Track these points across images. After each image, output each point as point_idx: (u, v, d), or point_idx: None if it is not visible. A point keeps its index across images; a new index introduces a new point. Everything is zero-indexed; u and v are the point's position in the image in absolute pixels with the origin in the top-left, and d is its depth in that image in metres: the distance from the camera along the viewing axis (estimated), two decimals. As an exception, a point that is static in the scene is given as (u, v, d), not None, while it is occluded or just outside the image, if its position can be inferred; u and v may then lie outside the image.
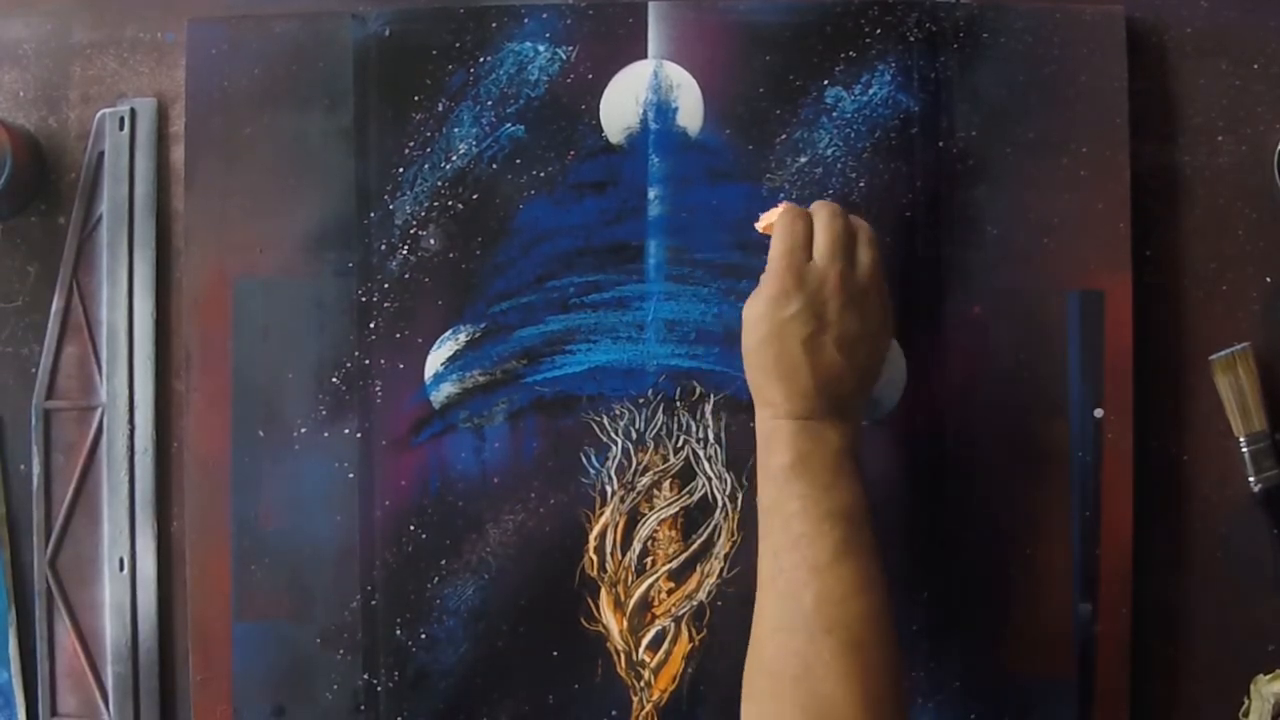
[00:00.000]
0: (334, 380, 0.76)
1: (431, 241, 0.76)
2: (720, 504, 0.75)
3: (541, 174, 0.76)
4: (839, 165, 0.75)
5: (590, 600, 0.75)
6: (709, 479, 0.75)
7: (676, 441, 0.75)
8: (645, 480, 0.75)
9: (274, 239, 0.76)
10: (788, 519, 0.63)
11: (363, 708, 0.75)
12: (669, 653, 0.75)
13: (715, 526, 0.75)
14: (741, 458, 0.75)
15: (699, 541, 0.75)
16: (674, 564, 0.75)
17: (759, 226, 0.70)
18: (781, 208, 0.68)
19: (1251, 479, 0.74)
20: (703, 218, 0.75)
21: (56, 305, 0.78)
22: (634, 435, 0.75)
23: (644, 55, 0.76)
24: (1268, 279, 0.76)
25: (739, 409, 0.75)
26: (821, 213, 0.67)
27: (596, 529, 0.75)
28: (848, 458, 0.64)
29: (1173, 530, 0.75)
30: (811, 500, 0.62)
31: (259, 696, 0.75)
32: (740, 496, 0.75)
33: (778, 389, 0.64)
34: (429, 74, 0.76)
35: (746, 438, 0.75)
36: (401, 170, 0.76)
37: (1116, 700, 0.73)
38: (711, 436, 0.75)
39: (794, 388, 0.64)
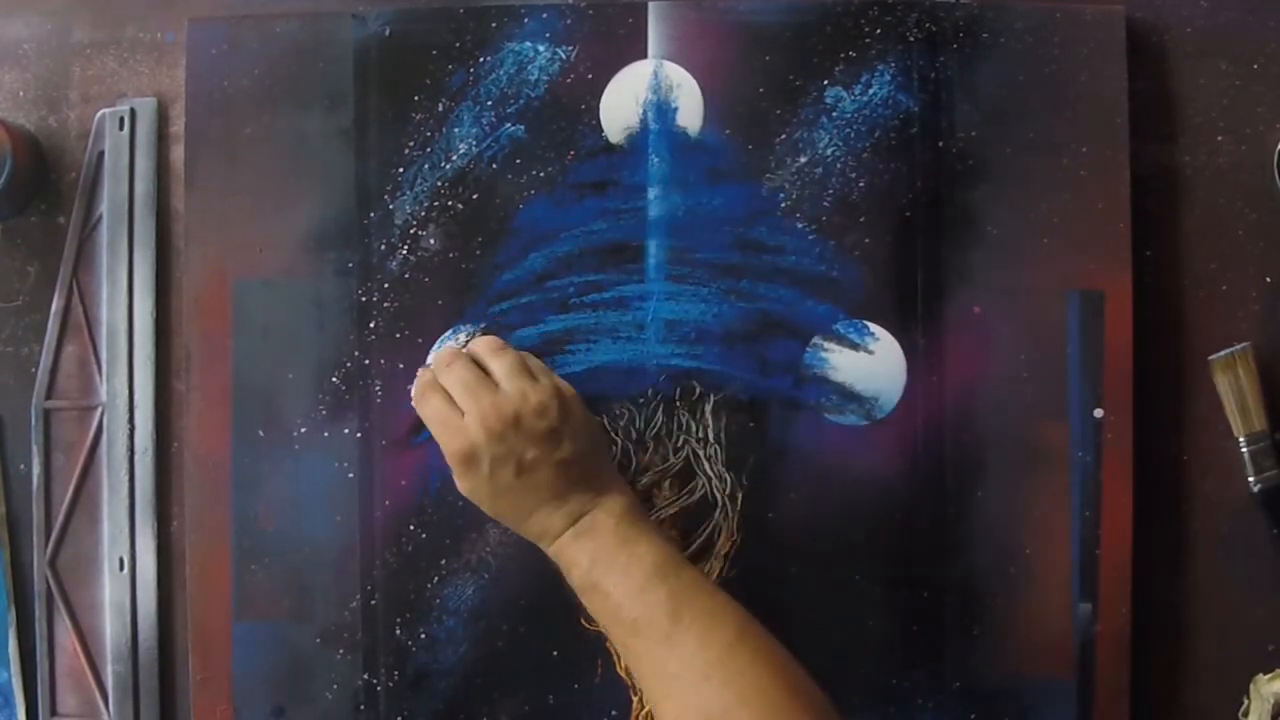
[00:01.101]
0: (334, 380, 0.76)
1: (431, 241, 0.76)
2: (720, 504, 0.75)
3: (541, 174, 0.76)
4: (839, 165, 0.75)
5: (590, 600, 0.75)
6: (709, 479, 0.75)
7: (676, 441, 0.75)
8: (645, 480, 0.75)
9: (274, 239, 0.76)
10: (614, 613, 0.63)
11: (363, 708, 0.75)
12: (669, 653, 0.75)
13: (715, 526, 0.75)
14: (741, 458, 0.75)
15: (699, 541, 0.75)
16: (674, 564, 0.75)
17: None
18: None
19: (1251, 479, 0.74)
20: (703, 218, 0.75)
21: (56, 305, 0.78)
22: (634, 435, 0.75)
23: (644, 55, 0.76)
24: (1268, 279, 0.76)
25: (739, 409, 0.75)
26: (437, 367, 0.69)
27: (596, 529, 0.75)
28: (627, 524, 0.65)
29: (1173, 530, 0.75)
30: (623, 585, 0.63)
31: (259, 696, 0.75)
32: (740, 496, 0.75)
33: (535, 523, 0.66)
34: (429, 74, 0.76)
35: (746, 438, 0.75)
36: (401, 170, 0.76)
37: (1116, 700, 0.73)
38: (711, 436, 0.75)
39: (543, 510, 0.66)
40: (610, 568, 0.64)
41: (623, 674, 0.75)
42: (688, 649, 0.60)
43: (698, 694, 0.59)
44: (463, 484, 0.67)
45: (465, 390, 0.67)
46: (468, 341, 0.75)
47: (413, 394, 0.70)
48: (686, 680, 0.60)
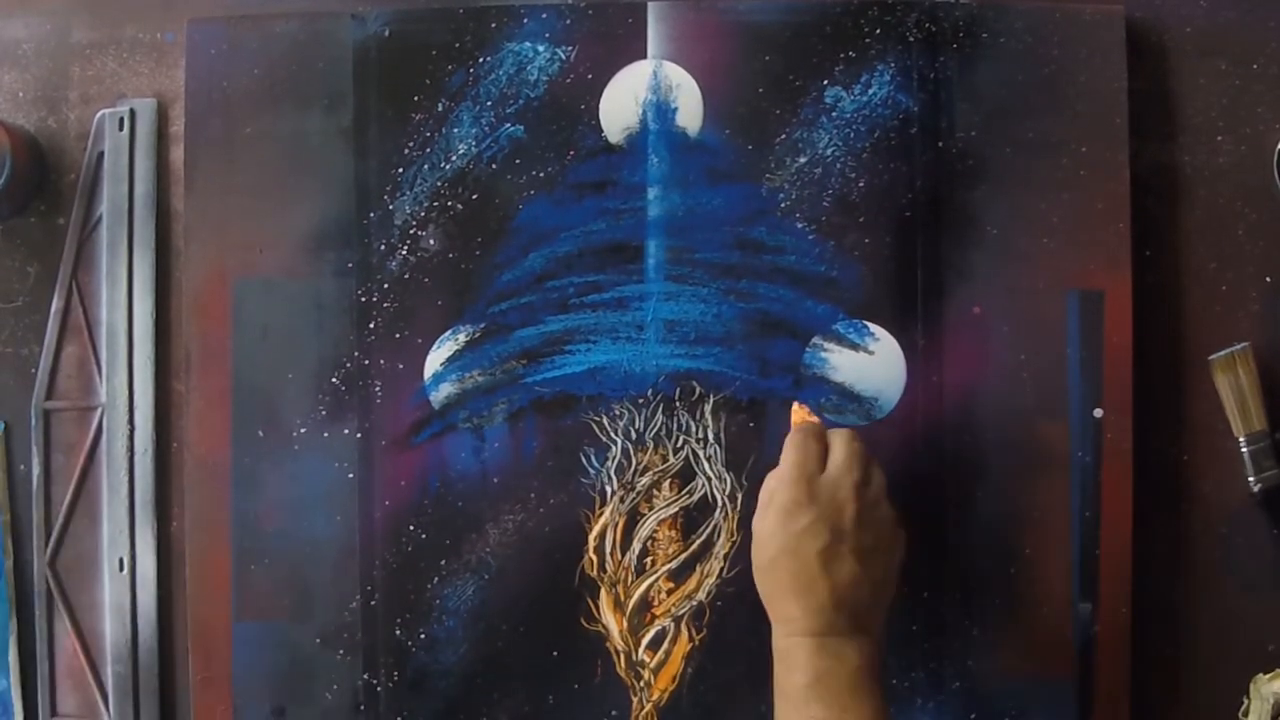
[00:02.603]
0: (334, 380, 0.76)
1: (431, 241, 0.76)
2: (720, 504, 0.75)
3: (541, 174, 0.76)
4: (839, 165, 0.75)
5: (590, 600, 0.75)
6: (709, 479, 0.75)
7: (676, 441, 0.75)
8: (645, 480, 0.75)
9: (274, 239, 0.76)
10: None
11: (363, 708, 0.75)
12: (669, 653, 0.75)
13: (715, 526, 0.75)
14: (741, 458, 0.75)
15: (699, 541, 0.75)
16: (674, 564, 0.75)
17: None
18: (796, 418, 0.69)
19: (1251, 479, 0.74)
20: (702, 218, 0.75)
21: (56, 305, 0.78)
22: (634, 435, 0.75)
23: (644, 55, 0.76)
24: (1268, 279, 0.76)
25: (739, 409, 0.75)
26: (839, 433, 0.67)
27: (596, 529, 0.75)
28: (868, 676, 0.63)
29: (1173, 530, 0.75)
30: None
31: (259, 696, 0.75)
32: (740, 496, 0.75)
33: (794, 605, 0.63)
34: (429, 74, 0.76)
35: (746, 438, 0.75)
36: (401, 170, 0.76)
37: (1116, 700, 0.73)
38: (711, 436, 0.75)
39: (811, 603, 0.63)
40: (830, 699, 0.62)
41: (623, 674, 0.75)
42: None
43: None
44: (768, 520, 0.64)
45: (846, 460, 0.65)
46: (468, 341, 0.75)
47: (797, 422, 0.69)
48: None
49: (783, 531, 0.64)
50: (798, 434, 0.67)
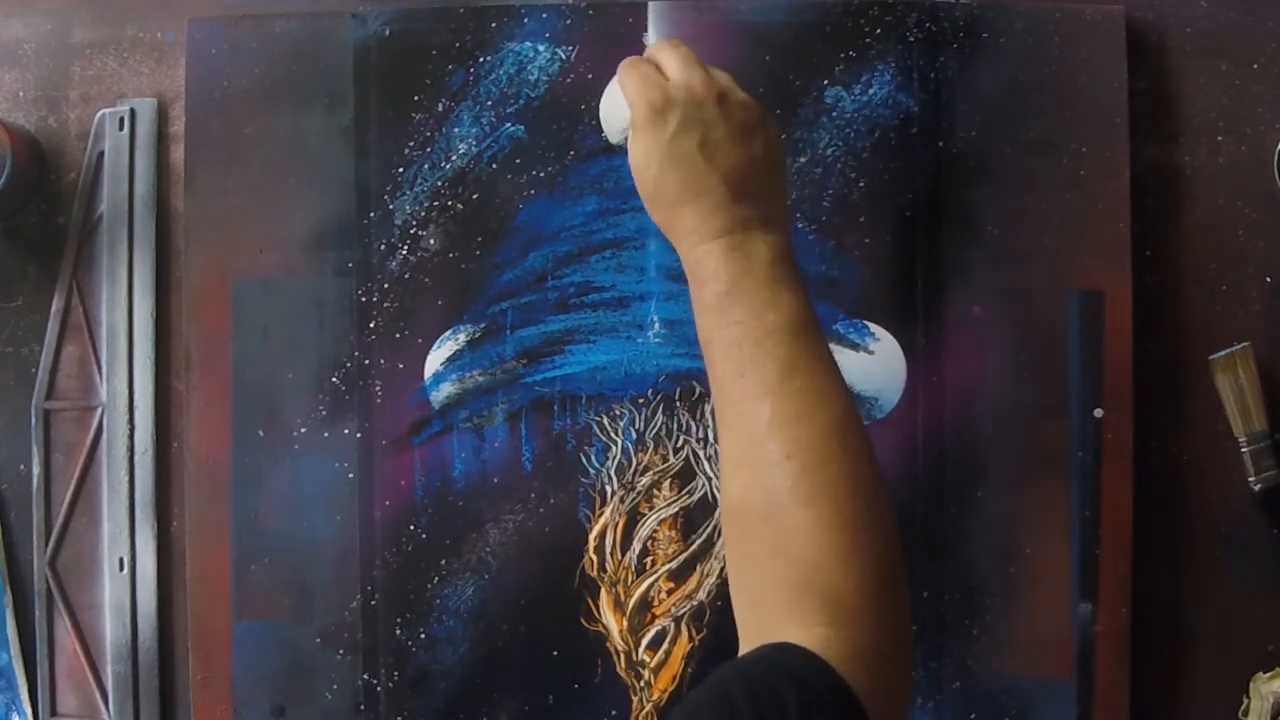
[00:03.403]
0: (334, 380, 0.76)
1: (431, 241, 0.76)
2: (720, 504, 0.75)
3: (541, 174, 0.76)
4: (839, 165, 0.75)
5: (590, 600, 0.75)
6: (709, 479, 0.75)
7: (676, 441, 0.75)
8: (645, 480, 0.75)
9: (274, 239, 0.76)
10: (728, 347, 0.58)
11: (363, 708, 0.75)
12: (669, 653, 0.75)
13: (715, 526, 0.75)
14: (741, 458, 0.75)
15: (699, 541, 0.75)
16: (674, 564, 0.75)
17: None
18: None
19: (1251, 479, 0.74)
20: (703, 218, 0.75)
21: (56, 305, 0.78)
22: (634, 435, 0.75)
23: (644, 55, 0.76)
24: (1268, 279, 0.76)
25: (739, 409, 0.75)
26: (661, 44, 0.64)
27: (596, 529, 0.75)
28: (783, 266, 0.60)
29: (1173, 530, 0.75)
30: (751, 322, 0.58)
31: (259, 696, 0.75)
32: (740, 496, 0.75)
33: (692, 212, 0.60)
34: (429, 74, 0.76)
35: (746, 438, 0.75)
36: (401, 170, 0.76)
37: (1116, 700, 0.73)
38: (711, 436, 0.75)
39: (708, 202, 0.60)
40: (748, 300, 0.58)
41: (623, 674, 0.75)
42: (784, 415, 0.56)
43: (771, 471, 0.55)
44: (640, 139, 0.61)
45: (682, 60, 0.62)
46: (468, 341, 0.75)
47: (623, 64, 0.64)
48: (767, 449, 0.56)
49: (656, 144, 0.60)
50: (625, 64, 0.63)
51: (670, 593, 0.75)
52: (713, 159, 0.60)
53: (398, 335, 0.76)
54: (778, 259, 0.60)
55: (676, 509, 0.75)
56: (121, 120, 0.78)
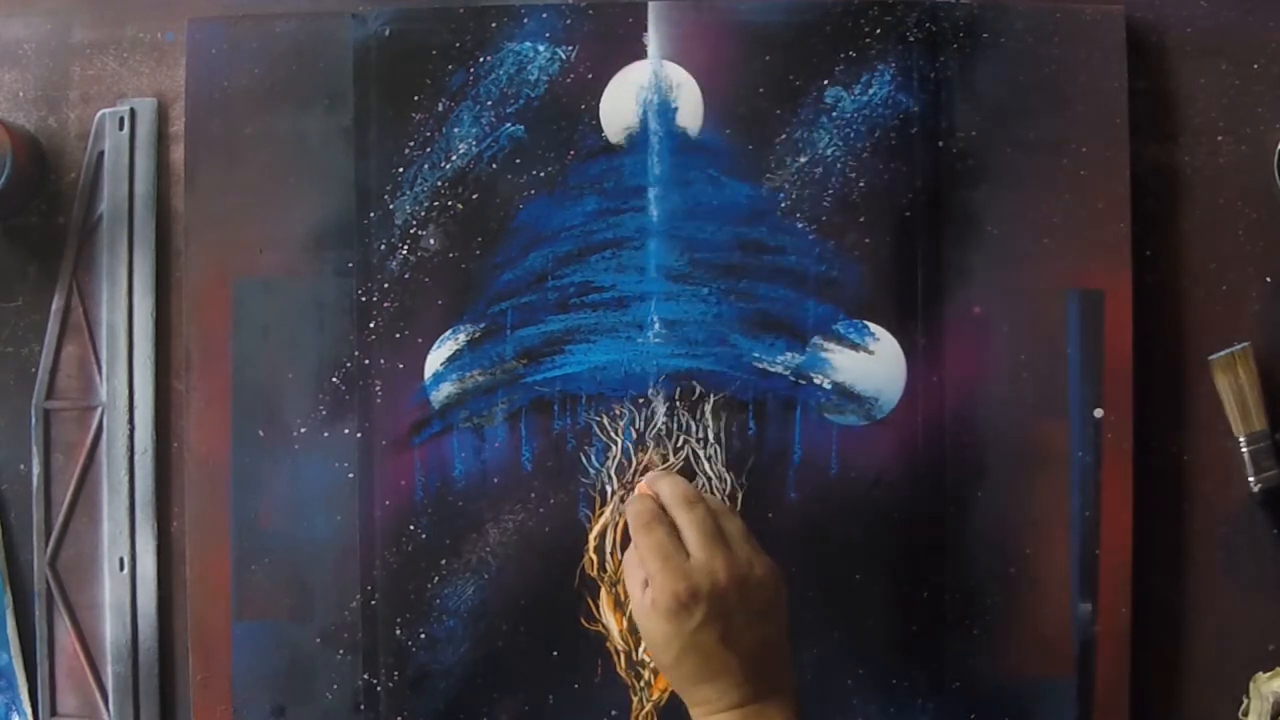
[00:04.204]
0: (334, 380, 0.76)
1: (431, 241, 0.76)
2: (720, 504, 0.75)
3: (541, 174, 0.76)
4: (839, 165, 0.75)
5: (590, 600, 0.75)
6: (709, 479, 0.75)
7: (676, 441, 0.75)
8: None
9: (274, 239, 0.76)
10: None
11: (363, 707, 0.75)
12: (669, 653, 0.75)
13: (715, 526, 0.75)
14: (742, 458, 0.75)
15: (699, 541, 0.75)
16: (674, 564, 0.75)
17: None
18: (629, 504, 0.67)
19: (1251, 479, 0.74)
20: (703, 218, 0.75)
21: (56, 305, 0.78)
22: (634, 435, 0.75)
23: (644, 55, 0.76)
24: (1268, 279, 0.76)
25: (739, 409, 0.75)
26: (675, 498, 0.65)
27: (596, 529, 0.75)
28: None
29: (1173, 530, 0.75)
30: None
31: (259, 696, 0.75)
32: (740, 496, 0.75)
33: (707, 689, 0.62)
34: (429, 74, 0.76)
35: (746, 438, 0.75)
36: (401, 170, 0.76)
37: (1116, 700, 0.73)
38: (711, 436, 0.75)
39: (724, 683, 0.62)
40: None
41: (623, 674, 0.75)
42: None
43: None
44: (661, 625, 0.62)
45: (703, 536, 0.63)
46: (468, 341, 0.75)
47: (633, 514, 0.66)
48: None
49: (678, 634, 0.62)
50: (641, 522, 0.65)
51: (670, 593, 0.75)
52: (733, 646, 0.62)
53: (398, 335, 0.76)
54: None
55: (676, 509, 0.75)
56: (121, 120, 0.78)
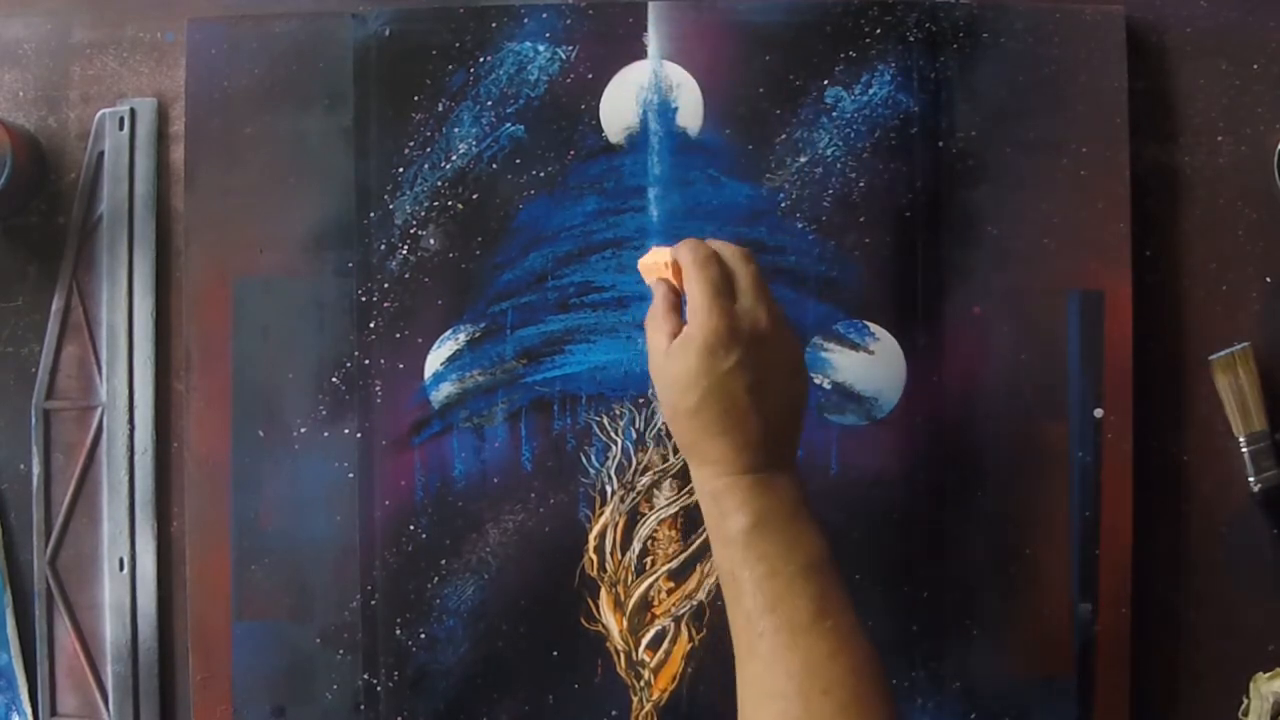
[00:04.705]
0: (334, 380, 0.76)
1: (431, 241, 0.76)
2: None
3: (541, 174, 0.76)
4: (839, 165, 0.75)
5: (590, 600, 0.75)
6: (709, 479, 0.75)
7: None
8: (645, 480, 0.75)
9: (274, 239, 0.76)
10: (758, 582, 0.59)
11: (363, 707, 0.75)
12: (669, 652, 0.75)
13: (715, 526, 0.75)
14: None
15: (699, 541, 0.75)
16: (674, 564, 0.75)
17: (643, 265, 0.67)
18: (667, 249, 0.65)
19: (1251, 479, 0.74)
20: (703, 218, 0.75)
21: (56, 305, 0.78)
22: (634, 435, 0.75)
23: (644, 55, 0.76)
24: (1268, 279, 0.76)
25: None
26: (727, 250, 0.64)
27: (596, 529, 0.75)
28: (805, 506, 0.61)
29: (1173, 530, 0.75)
30: (781, 559, 0.59)
31: (259, 696, 0.75)
32: (740, 496, 0.75)
33: (723, 444, 0.61)
34: (429, 74, 0.76)
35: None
36: (401, 170, 0.76)
37: (1116, 700, 0.73)
38: (711, 436, 0.75)
39: (742, 440, 0.60)
40: (776, 537, 0.59)
41: (623, 674, 0.75)
42: (819, 652, 0.58)
43: (808, 704, 0.57)
44: (693, 360, 0.60)
45: (753, 286, 0.62)
46: (468, 341, 0.75)
47: (688, 249, 0.63)
48: (805, 683, 0.57)
49: (709, 372, 0.60)
50: (696, 256, 0.62)
51: (670, 592, 0.75)
52: (758, 399, 0.60)
53: (398, 335, 0.76)
54: (801, 499, 0.61)
55: (676, 509, 0.75)
56: (121, 120, 0.78)
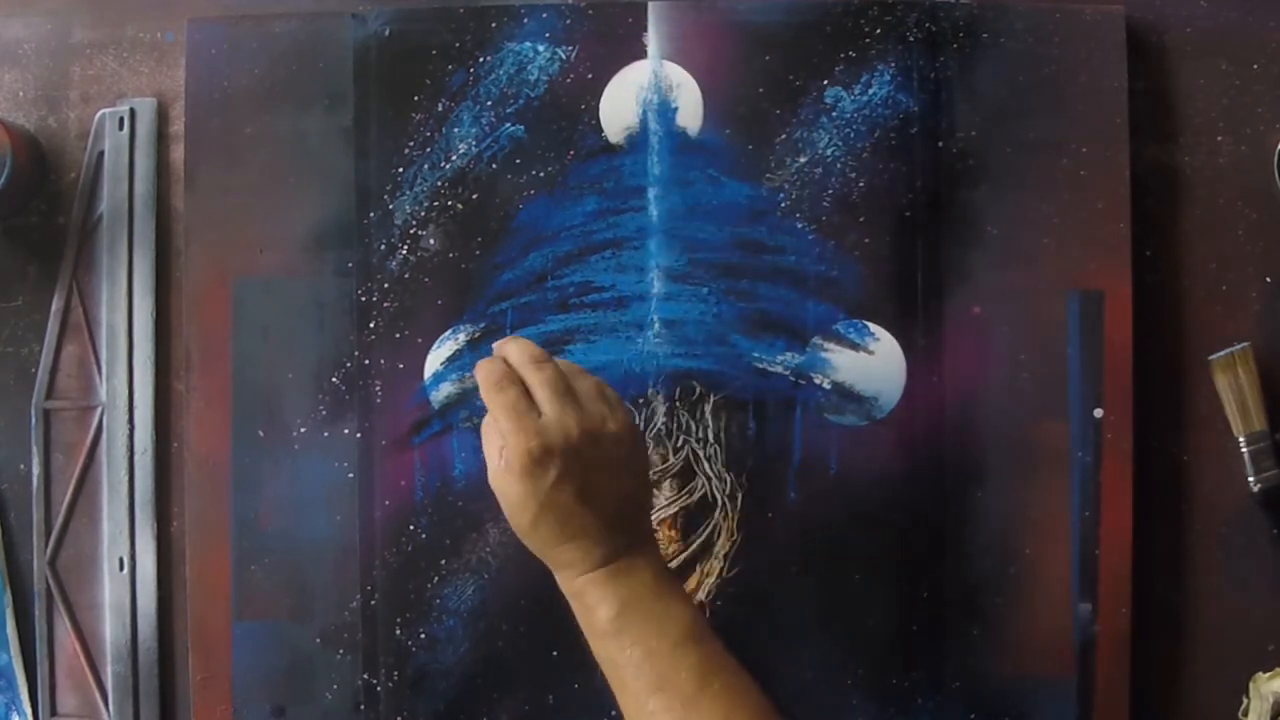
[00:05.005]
0: (334, 380, 0.76)
1: (431, 241, 0.76)
2: (720, 504, 0.75)
3: (541, 174, 0.76)
4: (839, 165, 0.75)
5: (590, 600, 0.75)
6: (709, 479, 0.75)
7: (676, 441, 0.75)
8: (645, 480, 0.75)
9: (274, 239, 0.76)
10: (638, 665, 0.60)
11: (363, 707, 0.75)
12: (669, 653, 0.75)
13: (715, 526, 0.75)
14: (741, 458, 0.75)
15: (699, 541, 0.75)
16: (674, 564, 0.75)
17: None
18: (477, 368, 0.64)
19: (1251, 479, 0.74)
20: (703, 218, 0.75)
21: (56, 305, 0.78)
22: (634, 435, 0.75)
23: (644, 55, 0.76)
24: (1268, 279, 0.76)
25: (739, 409, 0.75)
26: (524, 359, 0.63)
27: (596, 529, 0.75)
28: (665, 578, 0.62)
29: (1173, 530, 0.75)
30: (654, 637, 0.60)
31: (259, 696, 0.75)
32: (740, 496, 0.75)
33: (569, 550, 0.61)
34: (429, 74, 0.76)
35: (746, 438, 0.75)
36: (401, 170, 0.76)
37: (1116, 700, 0.73)
38: (711, 436, 0.75)
39: (586, 542, 0.61)
40: (644, 618, 0.60)
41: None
42: (713, 718, 0.58)
43: None
44: (515, 486, 0.60)
45: (553, 393, 0.61)
46: (468, 341, 0.75)
47: (483, 376, 0.63)
48: None
49: (533, 494, 0.60)
50: (491, 384, 0.62)
51: (670, 593, 0.75)
52: (589, 503, 0.60)
53: (398, 335, 0.76)
54: (658, 573, 0.62)
55: (676, 509, 0.75)
56: (121, 120, 0.78)
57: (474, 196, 0.76)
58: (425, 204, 0.76)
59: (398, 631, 0.75)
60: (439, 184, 0.76)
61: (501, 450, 0.61)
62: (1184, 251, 0.76)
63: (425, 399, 0.76)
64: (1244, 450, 0.74)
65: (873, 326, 0.75)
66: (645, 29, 0.76)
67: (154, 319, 0.78)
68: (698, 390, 0.75)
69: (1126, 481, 0.74)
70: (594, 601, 0.61)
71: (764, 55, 0.76)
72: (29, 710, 0.77)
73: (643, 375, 0.75)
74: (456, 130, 0.76)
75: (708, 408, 0.75)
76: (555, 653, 0.75)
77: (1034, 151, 0.75)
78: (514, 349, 0.64)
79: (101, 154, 0.78)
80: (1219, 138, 0.76)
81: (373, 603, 0.75)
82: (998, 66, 0.75)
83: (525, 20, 0.76)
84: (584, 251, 0.76)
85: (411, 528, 0.75)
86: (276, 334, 0.76)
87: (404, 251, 0.76)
